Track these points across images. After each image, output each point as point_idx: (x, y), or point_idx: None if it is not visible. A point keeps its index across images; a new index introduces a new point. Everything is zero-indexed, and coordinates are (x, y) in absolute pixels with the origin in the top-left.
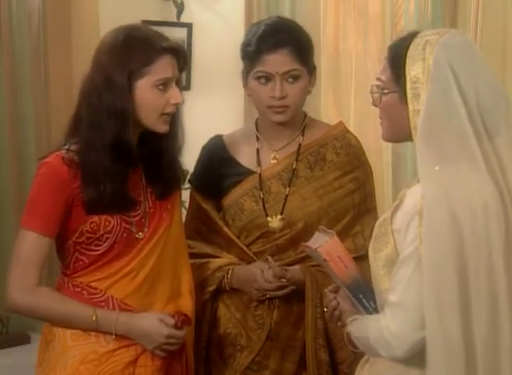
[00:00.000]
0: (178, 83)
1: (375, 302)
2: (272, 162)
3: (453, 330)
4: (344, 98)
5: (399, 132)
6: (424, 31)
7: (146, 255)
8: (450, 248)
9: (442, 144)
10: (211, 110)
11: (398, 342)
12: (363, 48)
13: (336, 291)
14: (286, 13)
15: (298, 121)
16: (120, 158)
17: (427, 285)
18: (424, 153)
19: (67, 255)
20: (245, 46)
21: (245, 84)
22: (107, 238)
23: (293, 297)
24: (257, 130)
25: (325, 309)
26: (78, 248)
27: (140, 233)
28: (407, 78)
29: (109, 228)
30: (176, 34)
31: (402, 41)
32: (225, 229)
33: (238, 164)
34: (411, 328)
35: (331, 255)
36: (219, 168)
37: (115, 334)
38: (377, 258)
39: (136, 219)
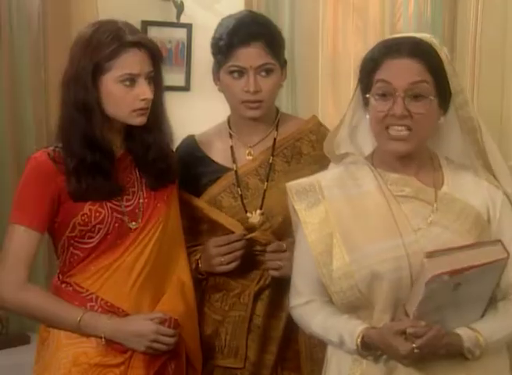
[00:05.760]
0: (155, 78)
1: None
2: (248, 158)
3: None
4: (343, 99)
5: (424, 140)
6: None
7: (140, 246)
8: None
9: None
10: (210, 111)
11: None
12: (362, 48)
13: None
14: (286, 13)
15: (271, 116)
16: (94, 150)
17: None
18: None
19: (62, 252)
20: (216, 40)
21: (216, 80)
22: (99, 229)
23: (275, 290)
24: (229, 126)
25: (416, 350)
26: (72, 242)
27: (134, 223)
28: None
29: (100, 218)
30: (176, 35)
31: (423, 43)
32: (207, 207)
33: (213, 162)
34: None
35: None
36: (194, 167)
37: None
38: None
39: (128, 209)
